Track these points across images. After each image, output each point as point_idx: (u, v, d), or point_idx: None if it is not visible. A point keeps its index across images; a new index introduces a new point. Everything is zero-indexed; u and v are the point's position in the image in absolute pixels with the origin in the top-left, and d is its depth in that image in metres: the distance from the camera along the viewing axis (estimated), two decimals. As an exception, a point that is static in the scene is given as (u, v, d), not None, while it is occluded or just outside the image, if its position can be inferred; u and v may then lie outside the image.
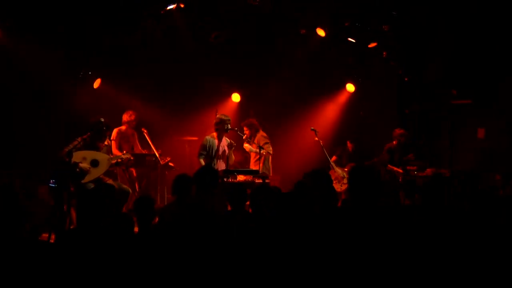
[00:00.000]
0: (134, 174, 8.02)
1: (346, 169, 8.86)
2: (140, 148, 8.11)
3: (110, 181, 6.71)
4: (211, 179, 5.16)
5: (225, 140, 7.62)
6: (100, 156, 6.49)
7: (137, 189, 7.84)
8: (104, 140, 6.71)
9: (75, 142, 6.35)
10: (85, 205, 3.87)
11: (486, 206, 4.16)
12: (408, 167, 8.39)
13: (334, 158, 9.22)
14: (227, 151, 7.54)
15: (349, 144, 9.40)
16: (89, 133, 6.53)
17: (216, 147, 7.54)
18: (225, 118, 7.57)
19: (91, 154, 6.39)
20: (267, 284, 3.38)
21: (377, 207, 3.66)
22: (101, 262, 3.50)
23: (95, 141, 6.61)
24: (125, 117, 7.99)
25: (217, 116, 7.71)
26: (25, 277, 3.53)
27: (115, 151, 7.62)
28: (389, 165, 8.55)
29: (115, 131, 7.85)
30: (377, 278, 3.25)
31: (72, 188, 5.96)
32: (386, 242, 3.42)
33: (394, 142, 8.74)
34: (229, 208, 4.78)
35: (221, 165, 7.50)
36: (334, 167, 8.75)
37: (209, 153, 7.50)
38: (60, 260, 3.57)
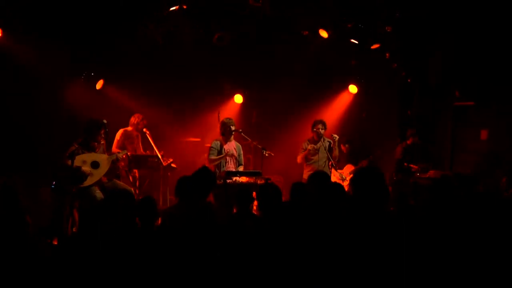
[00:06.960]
0: (137, 176, 8.01)
1: (343, 171, 8.86)
2: (142, 150, 8.11)
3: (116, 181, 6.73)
4: (208, 181, 5.11)
5: (234, 144, 7.50)
6: (99, 157, 6.44)
7: (137, 191, 7.82)
8: (99, 140, 6.62)
9: (72, 148, 6.31)
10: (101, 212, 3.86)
11: (486, 208, 4.13)
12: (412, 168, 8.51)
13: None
14: (235, 154, 7.47)
15: (342, 147, 9.39)
16: (83, 135, 6.47)
17: (223, 151, 7.36)
18: (227, 120, 7.45)
19: (90, 157, 6.35)
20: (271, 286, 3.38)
21: (382, 209, 3.63)
22: (103, 265, 3.50)
23: (89, 142, 6.50)
24: (133, 120, 8.01)
25: (220, 120, 7.63)
26: (28, 279, 3.53)
27: (115, 151, 7.60)
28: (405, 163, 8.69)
29: (120, 131, 7.85)
30: (384, 280, 3.24)
31: (74, 190, 5.96)
32: (390, 243, 3.40)
33: (408, 141, 8.89)
34: (234, 210, 4.76)
35: (230, 168, 7.33)
36: (333, 169, 8.74)
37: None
38: (62, 263, 3.57)
